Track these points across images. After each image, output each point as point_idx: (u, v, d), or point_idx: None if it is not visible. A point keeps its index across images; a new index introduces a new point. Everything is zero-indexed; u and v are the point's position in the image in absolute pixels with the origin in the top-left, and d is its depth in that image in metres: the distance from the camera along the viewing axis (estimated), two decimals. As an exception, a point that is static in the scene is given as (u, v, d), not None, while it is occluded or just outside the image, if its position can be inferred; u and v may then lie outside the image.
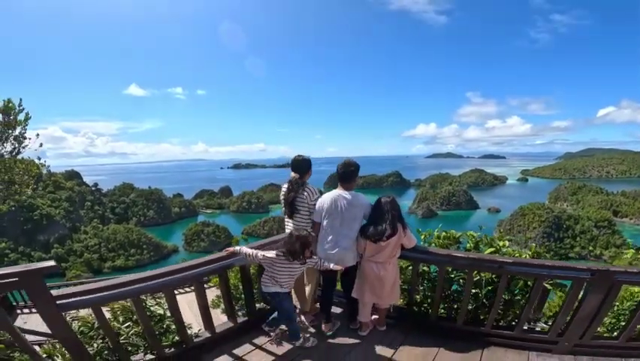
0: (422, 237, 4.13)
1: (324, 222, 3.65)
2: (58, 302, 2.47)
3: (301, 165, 3.92)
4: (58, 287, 10.81)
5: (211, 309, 3.77)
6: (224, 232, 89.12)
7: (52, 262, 2.38)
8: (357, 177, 3.73)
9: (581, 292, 3.16)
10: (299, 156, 3.99)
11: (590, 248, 73.23)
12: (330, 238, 3.60)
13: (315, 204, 3.75)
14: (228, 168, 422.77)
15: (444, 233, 4.08)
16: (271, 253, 3.37)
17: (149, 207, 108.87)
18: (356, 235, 3.57)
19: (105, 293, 2.71)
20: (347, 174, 3.67)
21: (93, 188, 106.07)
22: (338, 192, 3.68)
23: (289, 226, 3.99)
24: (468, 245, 3.91)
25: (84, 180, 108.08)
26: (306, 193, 3.81)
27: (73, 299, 2.57)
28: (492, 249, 3.71)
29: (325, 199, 3.68)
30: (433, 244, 4.04)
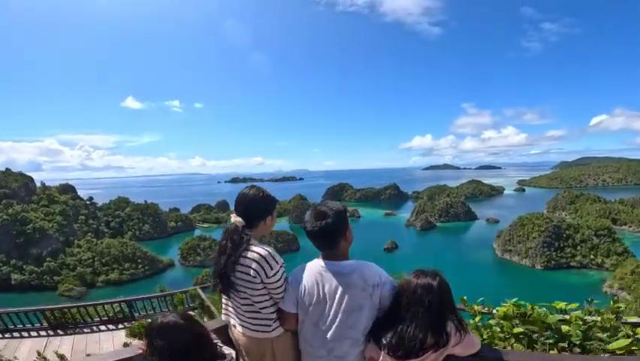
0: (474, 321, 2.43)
1: (304, 317, 2.00)
2: None
3: (254, 206, 2.15)
4: (26, 314, 9.97)
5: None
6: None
7: None
8: (345, 230, 1.98)
9: None
10: (251, 188, 2.22)
11: (592, 257, 72.64)
12: (317, 342, 1.94)
13: (279, 284, 2.02)
14: (226, 182, 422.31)
15: (513, 307, 2.31)
16: None
17: (144, 221, 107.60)
18: (363, 337, 1.88)
19: None
20: (326, 231, 1.91)
21: (88, 202, 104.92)
22: (320, 264, 1.99)
23: (229, 310, 2.24)
24: (573, 335, 2.10)
25: (79, 193, 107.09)
26: (255, 264, 1.98)
27: None
28: (626, 341, 1.93)
29: (302, 276, 2.01)
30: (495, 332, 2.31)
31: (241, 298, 2.06)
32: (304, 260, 2.09)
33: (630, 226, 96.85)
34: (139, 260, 78.51)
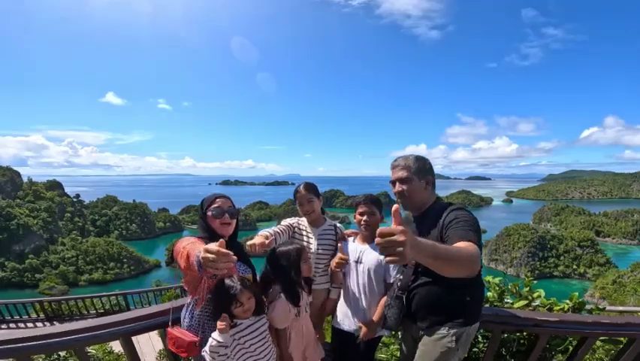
0: None
1: None
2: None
3: None
4: (23, 305, 10.06)
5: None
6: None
7: None
8: None
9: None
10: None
11: (575, 267, 74.06)
12: None
13: None
14: (217, 184, 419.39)
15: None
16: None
17: (132, 220, 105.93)
18: None
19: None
20: None
21: (74, 199, 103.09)
22: None
23: None
24: (490, 295, 2.97)
25: (66, 190, 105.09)
26: None
27: None
28: (524, 302, 2.80)
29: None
30: None
31: None
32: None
33: (614, 238, 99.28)
34: (124, 260, 77.07)
